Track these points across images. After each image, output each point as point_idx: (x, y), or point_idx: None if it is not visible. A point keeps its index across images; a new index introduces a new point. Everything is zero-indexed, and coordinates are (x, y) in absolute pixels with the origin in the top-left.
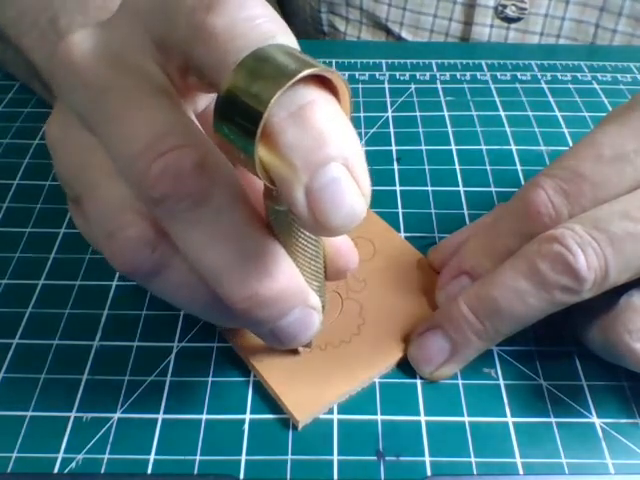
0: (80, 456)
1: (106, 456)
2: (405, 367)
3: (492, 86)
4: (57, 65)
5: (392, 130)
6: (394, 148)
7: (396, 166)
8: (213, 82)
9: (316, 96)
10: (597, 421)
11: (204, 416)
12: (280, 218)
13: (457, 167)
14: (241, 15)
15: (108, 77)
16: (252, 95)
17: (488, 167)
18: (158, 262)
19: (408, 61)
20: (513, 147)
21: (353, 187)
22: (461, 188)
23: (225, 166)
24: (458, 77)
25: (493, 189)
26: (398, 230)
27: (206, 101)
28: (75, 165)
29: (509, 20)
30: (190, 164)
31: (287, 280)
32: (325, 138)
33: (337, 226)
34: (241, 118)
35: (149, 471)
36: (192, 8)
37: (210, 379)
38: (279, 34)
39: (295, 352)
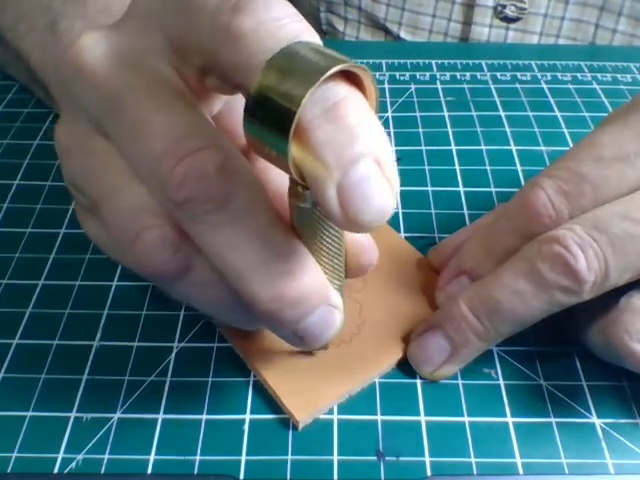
0: (80, 456)
1: (106, 456)
2: (405, 367)
3: (492, 86)
4: (66, 70)
5: (392, 130)
6: (394, 148)
7: (396, 166)
8: (239, 83)
9: (346, 93)
10: (597, 421)
11: (204, 416)
12: (304, 216)
13: (457, 167)
14: (267, 16)
15: (124, 81)
16: (283, 93)
17: (488, 167)
18: (181, 264)
19: (408, 61)
20: (513, 147)
21: (383, 183)
22: (461, 188)
23: (246, 167)
24: (458, 77)
25: (493, 189)
26: (398, 230)
27: (219, 104)
28: (89, 171)
29: (508, 20)
30: (212, 166)
31: (311, 280)
32: (357, 135)
33: (368, 222)
34: (273, 117)
35: (149, 471)
36: (216, 9)
37: (210, 379)
38: (305, 33)
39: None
